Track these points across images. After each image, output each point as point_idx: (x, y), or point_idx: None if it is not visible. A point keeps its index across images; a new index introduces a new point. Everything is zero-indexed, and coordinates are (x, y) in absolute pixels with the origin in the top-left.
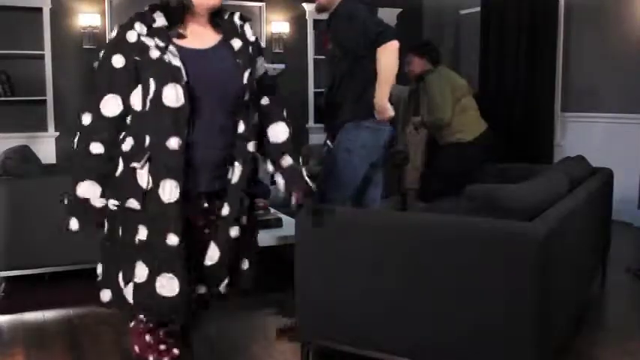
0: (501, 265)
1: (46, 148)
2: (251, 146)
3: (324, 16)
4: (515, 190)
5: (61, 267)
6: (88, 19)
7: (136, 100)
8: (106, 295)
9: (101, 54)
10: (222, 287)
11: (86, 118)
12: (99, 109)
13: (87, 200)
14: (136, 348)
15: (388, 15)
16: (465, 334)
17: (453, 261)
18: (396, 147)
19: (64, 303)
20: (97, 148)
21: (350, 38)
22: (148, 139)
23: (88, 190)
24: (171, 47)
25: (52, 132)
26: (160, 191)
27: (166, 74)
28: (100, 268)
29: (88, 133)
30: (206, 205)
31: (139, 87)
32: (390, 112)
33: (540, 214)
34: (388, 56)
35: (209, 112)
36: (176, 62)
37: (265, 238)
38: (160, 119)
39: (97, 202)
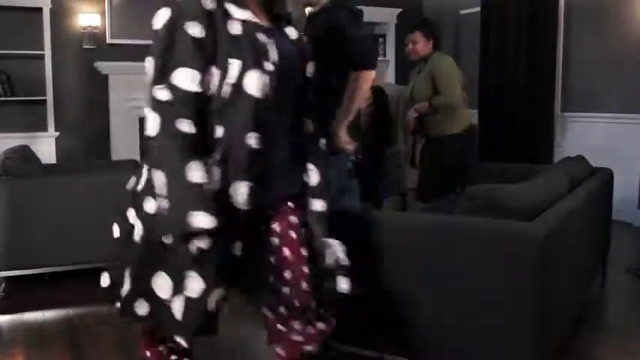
0: (501, 265)
1: (46, 148)
2: (322, 145)
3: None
4: (515, 190)
5: (61, 267)
6: (88, 19)
7: (211, 81)
8: (142, 307)
9: (161, 17)
10: (344, 283)
11: (163, 93)
12: (172, 81)
13: (201, 186)
14: (147, 353)
15: (389, 15)
16: (465, 334)
17: (453, 261)
18: (396, 147)
19: (64, 303)
20: (185, 126)
21: (329, 52)
22: (220, 131)
23: (200, 173)
24: (262, 23)
25: (52, 132)
26: (232, 193)
27: (253, 56)
28: (127, 275)
29: (171, 110)
30: (291, 204)
31: (214, 67)
32: (351, 145)
33: (540, 214)
34: (363, 86)
35: (281, 105)
36: (270, 45)
37: None
38: (238, 109)
39: (214, 185)
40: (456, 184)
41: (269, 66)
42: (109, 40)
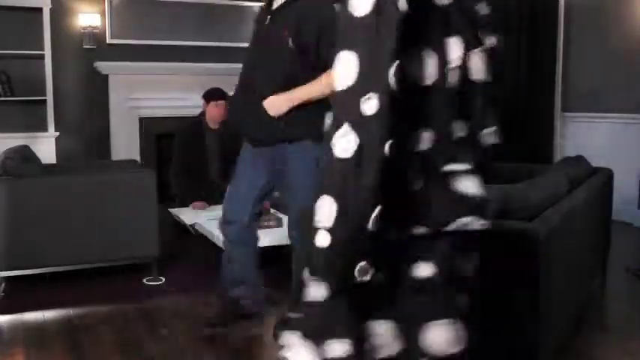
0: (501, 265)
1: (46, 148)
2: None
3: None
4: (515, 190)
5: (61, 267)
6: (88, 19)
7: (426, 69)
8: None
9: None
10: None
11: (371, 105)
12: (386, 83)
13: None
14: None
15: None
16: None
17: None
18: None
19: (64, 303)
20: (387, 147)
21: (311, 44)
22: (458, 131)
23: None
24: None
25: (52, 132)
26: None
27: (472, 30)
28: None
29: (377, 127)
30: None
31: (426, 50)
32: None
33: (540, 214)
34: (324, 80)
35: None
36: (484, 12)
37: (265, 238)
38: (472, 100)
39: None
40: None
41: (491, 40)
42: (109, 40)
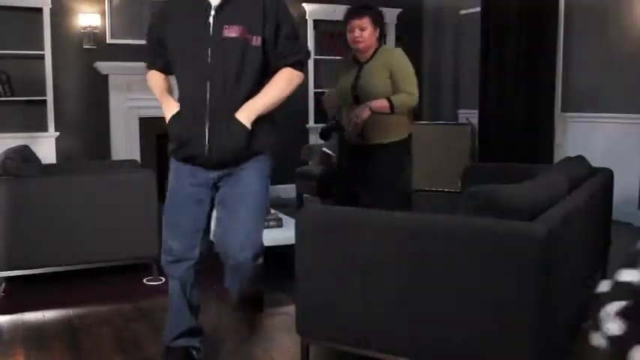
0: (501, 265)
1: (46, 148)
2: None
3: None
4: (515, 190)
5: (61, 267)
6: (88, 19)
7: None
8: None
9: None
10: None
11: None
12: None
13: None
14: None
15: (388, 15)
16: (465, 334)
17: (453, 261)
18: None
19: (64, 303)
20: None
21: (271, 39)
22: None
23: None
24: None
25: (52, 132)
26: None
27: None
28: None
29: None
30: None
31: None
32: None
33: (540, 214)
34: (291, 85)
35: None
36: None
37: (265, 238)
38: None
39: None
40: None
41: None
42: (109, 40)
